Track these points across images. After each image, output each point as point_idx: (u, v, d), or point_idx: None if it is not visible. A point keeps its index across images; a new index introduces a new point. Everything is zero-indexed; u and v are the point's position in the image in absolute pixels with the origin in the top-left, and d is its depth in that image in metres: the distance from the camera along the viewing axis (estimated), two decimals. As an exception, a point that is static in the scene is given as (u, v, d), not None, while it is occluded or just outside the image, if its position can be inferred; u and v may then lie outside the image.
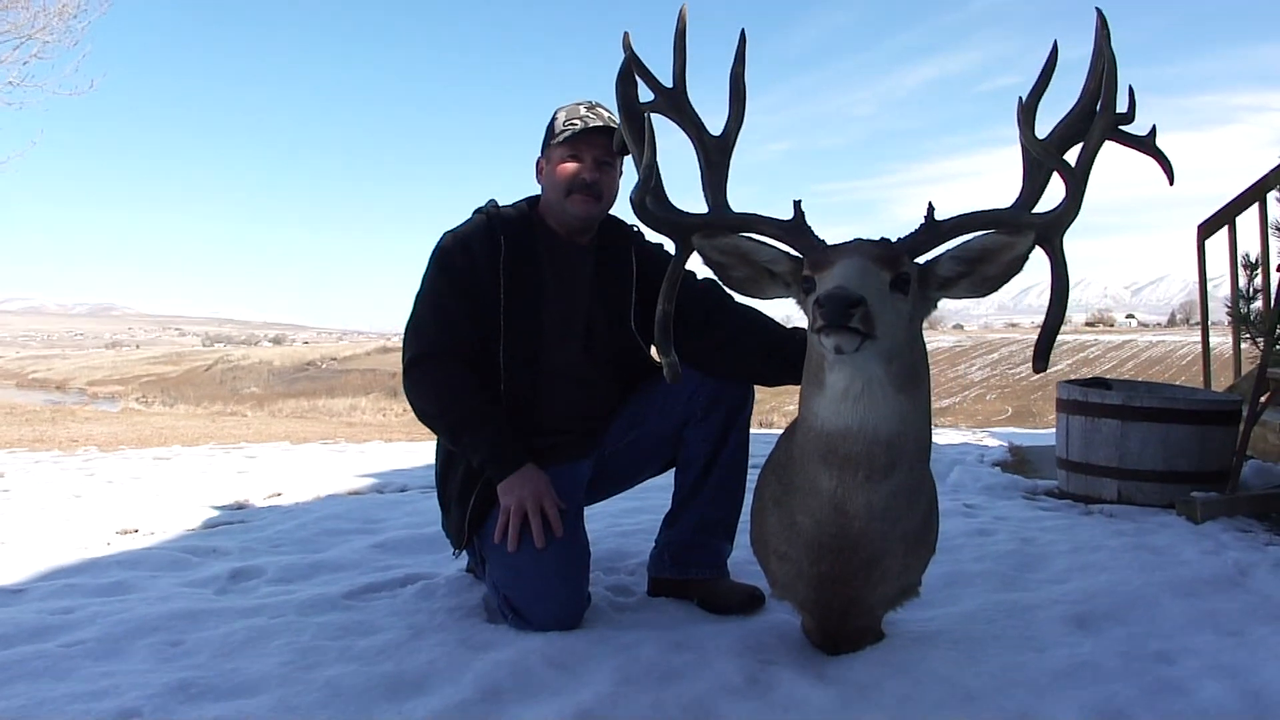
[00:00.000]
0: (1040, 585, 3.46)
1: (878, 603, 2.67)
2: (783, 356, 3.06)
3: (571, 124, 3.22)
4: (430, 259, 3.24)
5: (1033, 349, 2.47)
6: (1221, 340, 7.99)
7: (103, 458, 8.50)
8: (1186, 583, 3.41)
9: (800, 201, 2.53)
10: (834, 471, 2.40)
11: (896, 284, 2.32)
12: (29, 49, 17.08)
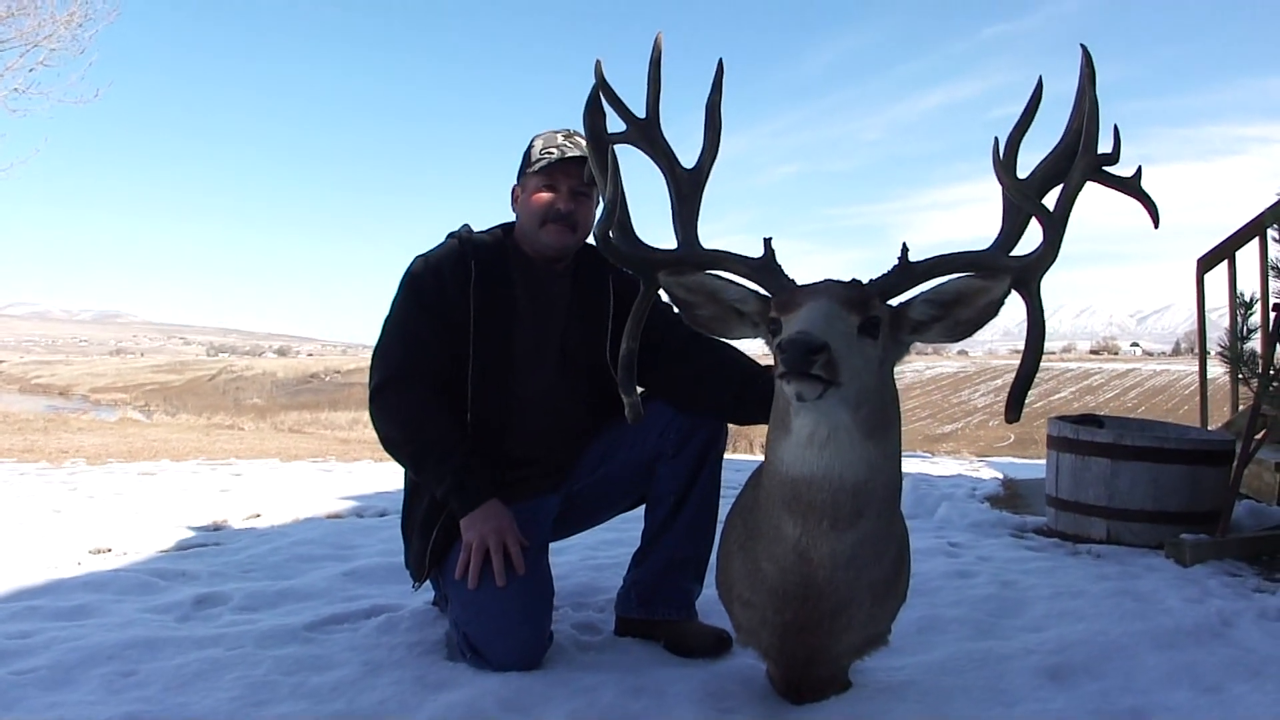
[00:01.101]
0: (1016, 633, 3.37)
1: (843, 652, 2.59)
2: (757, 395, 2.99)
3: (548, 152, 3.16)
4: (400, 283, 3.19)
5: (1006, 398, 2.40)
6: (1222, 371, 7.94)
7: (88, 471, 8.46)
8: (1167, 633, 3.31)
9: (770, 240, 2.46)
10: (798, 519, 2.33)
11: (865, 328, 2.25)
12: (35, 56, 17.16)
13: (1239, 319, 5.67)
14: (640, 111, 2.65)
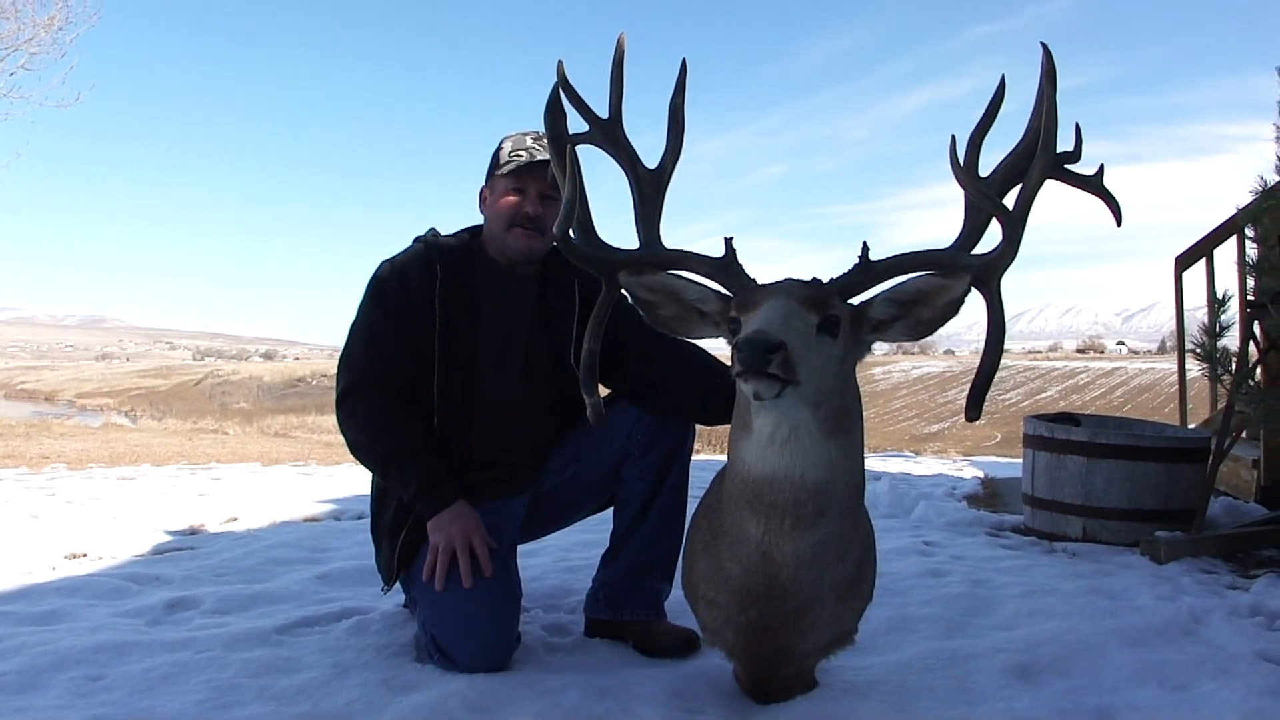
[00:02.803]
0: (986, 632, 3.38)
1: (809, 651, 2.59)
2: (723, 395, 2.99)
3: (517, 155, 3.16)
4: (366, 289, 3.19)
5: (966, 396, 2.40)
6: (1204, 368, 7.96)
7: (68, 476, 8.42)
8: (1137, 631, 3.33)
9: (731, 239, 2.46)
10: (760, 518, 2.34)
11: (825, 326, 2.26)
12: (15, 60, 17.13)
13: (1214, 317, 5.68)
14: (604, 112, 2.65)
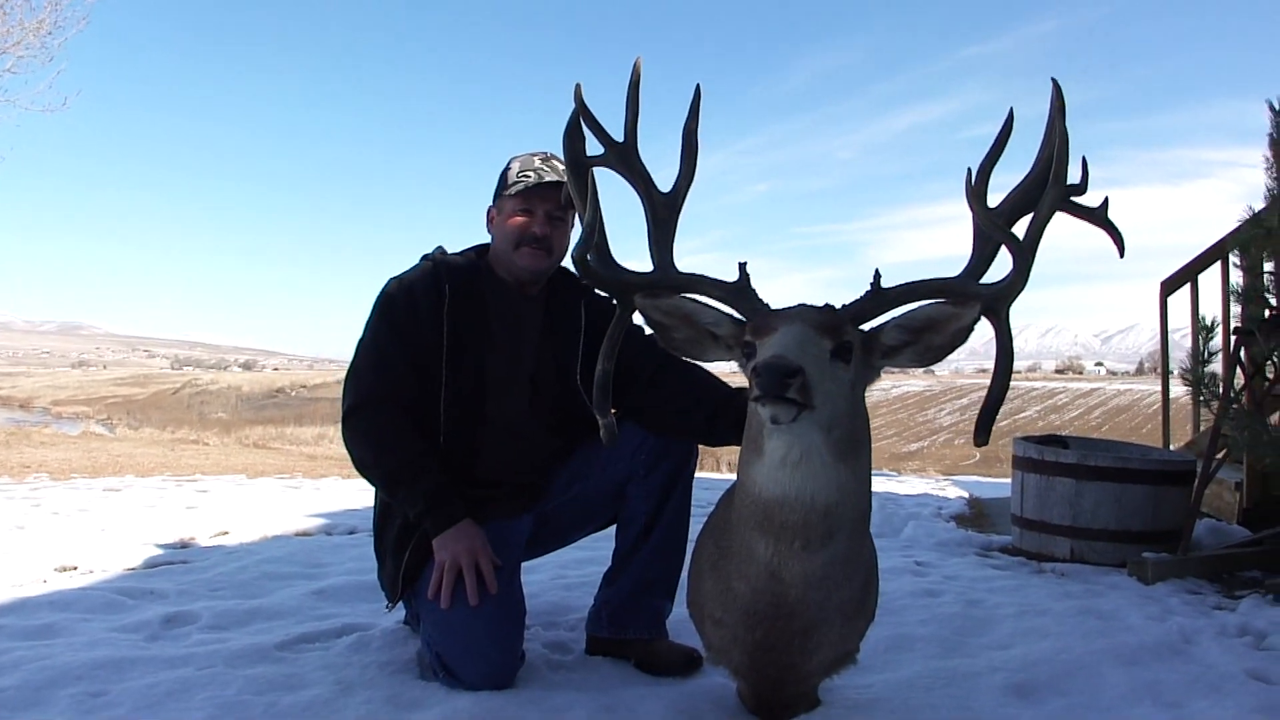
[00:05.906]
0: (982, 651, 3.42)
1: (813, 671, 2.62)
2: (729, 416, 3.02)
3: (525, 176, 3.18)
4: (374, 306, 3.20)
5: (974, 422, 2.44)
6: (1184, 392, 8.03)
7: (52, 487, 8.36)
8: (1130, 650, 3.38)
9: (745, 264, 2.50)
10: (770, 539, 2.36)
11: (838, 352, 2.29)
12: (3, 63, 17.00)
13: (1200, 343, 5.74)
14: (618, 134, 2.68)
